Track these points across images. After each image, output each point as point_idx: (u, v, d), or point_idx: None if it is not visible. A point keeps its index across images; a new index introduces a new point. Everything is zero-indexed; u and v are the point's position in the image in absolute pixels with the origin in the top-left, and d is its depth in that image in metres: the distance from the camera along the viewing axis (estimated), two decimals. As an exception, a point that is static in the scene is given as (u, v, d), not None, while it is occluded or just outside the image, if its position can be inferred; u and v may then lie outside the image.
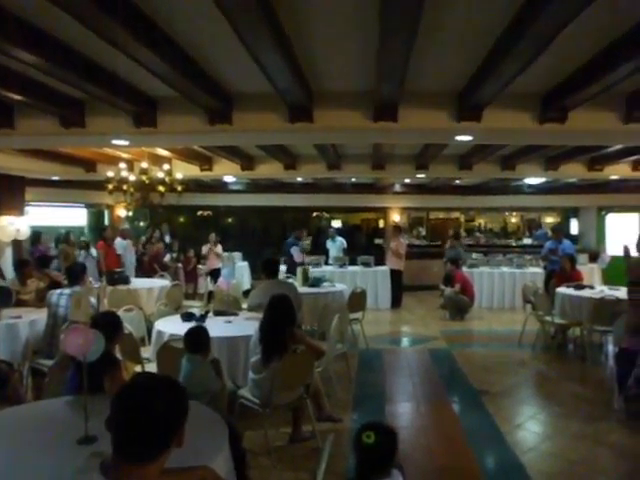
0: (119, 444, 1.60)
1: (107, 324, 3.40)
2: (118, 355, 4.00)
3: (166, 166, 8.60)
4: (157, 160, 8.81)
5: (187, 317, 5.40)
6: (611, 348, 6.53)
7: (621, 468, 4.09)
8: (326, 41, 4.01)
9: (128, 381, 1.83)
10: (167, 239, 12.20)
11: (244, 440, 3.98)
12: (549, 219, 17.86)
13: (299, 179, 13.04)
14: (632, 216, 13.85)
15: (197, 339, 3.75)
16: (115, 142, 6.35)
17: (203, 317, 5.44)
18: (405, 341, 8.36)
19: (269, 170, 10.36)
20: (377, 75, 4.36)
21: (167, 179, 8.43)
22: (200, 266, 11.62)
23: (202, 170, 10.22)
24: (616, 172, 9.98)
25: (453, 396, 5.86)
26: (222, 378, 3.88)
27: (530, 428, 4.86)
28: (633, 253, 6.11)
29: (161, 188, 8.33)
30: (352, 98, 5.28)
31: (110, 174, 8.36)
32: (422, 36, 3.52)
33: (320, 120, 5.32)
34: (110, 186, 8.36)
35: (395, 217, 15.03)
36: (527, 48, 3.51)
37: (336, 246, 12.32)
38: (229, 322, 5.41)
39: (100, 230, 10.81)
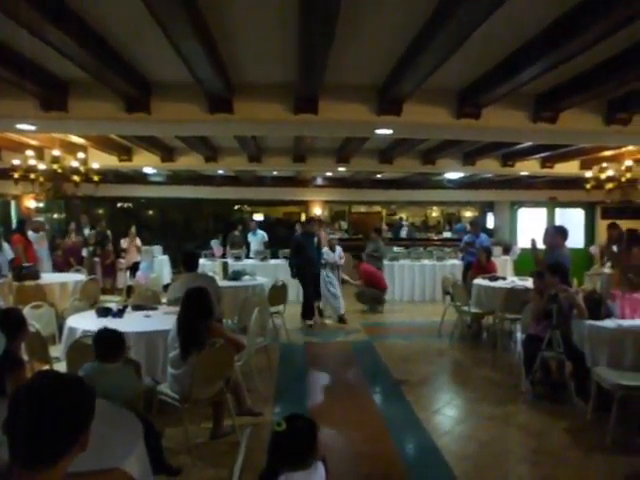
0: (16, 448, 1.49)
1: (8, 322, 3.18)
2: (24, 355, 3.77)
3: (81, 155, 8.18)
4: (71, 148, 8.37)
5: (103, 312, 5.19)
6: (519, 335, 6.90)
7: (527, 445, 4.35)
8: (246, 31, 3.95)
9: (28, 379, 1.71)
10: (86, 232, 11.63)
11: (164, 438, 3.88)
12: (468, 213, 18.67)
13: (220, 172, 12.84)
14: (540, 211, 14.75)
15: (110, 346, 3.42)
16: (20, 127, 5.92)
17: (121, 312, 5.28)
18: (326, 334, 8.43)
19: (190, 162, 10.15)
20: (298, 67, 4.35)
21: (82, 168, 8.02)
22: (120, 260, 11.19)
23: (121, 160, 9.84)
24: (527, 168, 10.55)
25: (374, 386, 5.97)
26: (140, 380, 3.74)
27: (446, 413, 5.06)
28: (539, 246, 6.51)
29: (75, 178, 7.91)
30: (272, 90, 5.25)
31: (16, 162, 7.83)
32: (343, 29, 3.54)
33: (240, 111, 5.25)
34: (16, 175, 7.82)
35: (317, 210, 15.13)
36: (443, 44, 3.62)
37: (257, 239, 12.26)
38: (148, 317, 5.29)
39: (20, 223, 9.97)
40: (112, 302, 6.75)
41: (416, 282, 11.65)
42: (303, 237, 9.05)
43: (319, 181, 14.79)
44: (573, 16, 3.33)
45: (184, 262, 6.08)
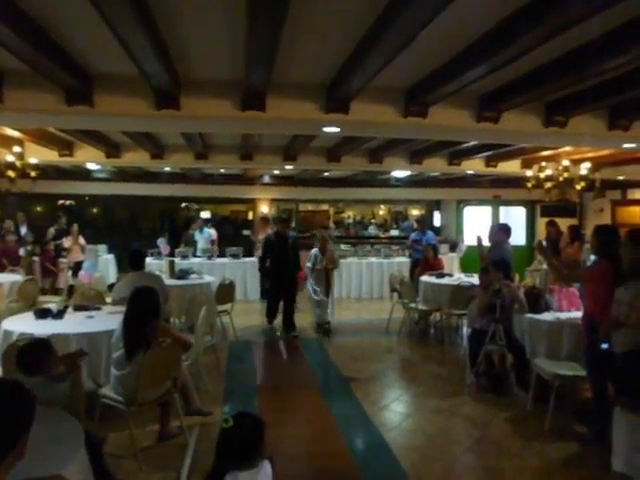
0: None
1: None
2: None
3: (17, 149, 7.81)
4: (5, 141, 7.97)
5: (42, 314, 5.00)
6: (465, 330, 7.10)
7: (472, 436, 4.49)
8: (194, 26, 3.86)
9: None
10: (23, 230, 11.14)
11: (107, 443, 3.77)
12: (415, 211, 18.99)
13: (167, 168, 12.57)
14: (485, 209, 15.20)
15: (34, 359, 3.17)
16: (-50, 118, 5.61)
17: (61, 313, 5.11)
18: (275, 332, 8.42)
19: (135, 158, 9.86)
20: (246, 64, 4.30)
21: (18, 163, 7.67)
22: (62, 259, 10.79)
23: (61, 155, 9.43)
24: (472, 167, 10.81)
25: (323, 384, 6.00)
26: (79, 381, 3.57)
27: (394, 409, 5.14)
28: (485, 243, 6.71)
29: (10, 173, 7.55)
30: (220, 86, 5.16)
31: (-55, 155, 7.42)
32: (291, 26, 3.52)
33: (187, 108, 5.14)
34: (-55, 169, 7.41)
35: (264, 208, 15.07)
36: (390, 43, 3.65)
37: (204, 237, 12.10)
38: (91, 317, 5.16)
39: None
40: (52, 303, 6.50)
41: (364, 280, 11.75)
42: (275, 238, 8.16)
43: (266, 179, 14.71)
44: (514, 20, 3.43)
45: (130, 261, 6.01)
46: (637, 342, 3.74)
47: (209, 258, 11.23)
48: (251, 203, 15.75)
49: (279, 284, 8.14)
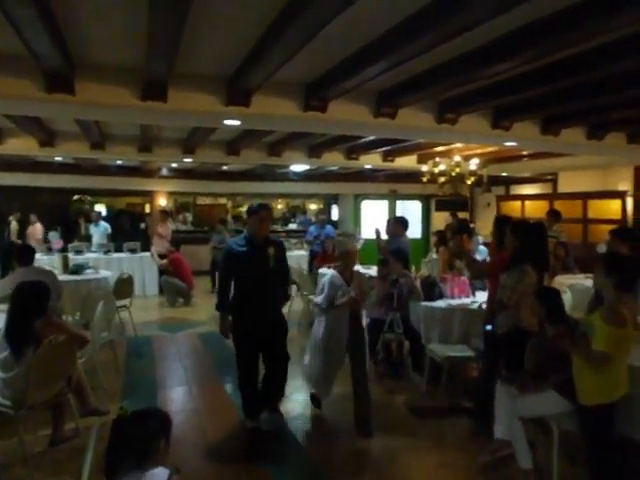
0: None
1: None
2: None
3: None
4: None
5: None
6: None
7: (374, 420, 4.59)
8: (90, 4, 3.65)
9: None
10: None
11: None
12: (313, 205, 19.29)
13: (58, 158, 11.76)
14: (382, 203, 15.76)
15: None
16: None
17: None
18: (174, 326, 8.20)
19: (21, 145, 9.07)
20: (147, 52, 4.14)
21: None
22: None
23: None
24: (370, 161, 11.13)
25: (225, 377, 5.93)
26: None
27: (296, 398, 5.27)
28: (383, 236, 6.98)
29: None
30: (120, 73, 4.91)
31: None
32: (195, 15, 3.45)
33: (82, 93, 4.83)
34: None
35: (162, 202, 14.67)
36: (293, 39, 3.69)
37: (100, 231, 11.56)
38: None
39: None
40: None
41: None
42: (245, 247, 4.43)
43: (164, 172, 14.29)
44: (412, 21, 3.58)
45: (18, 256, 5.64)
46: (515, 322, 4.12)
47: (105, 253, 10.75)
48: (149, 196, 15.21)
49: (257, 332, 4.45)
